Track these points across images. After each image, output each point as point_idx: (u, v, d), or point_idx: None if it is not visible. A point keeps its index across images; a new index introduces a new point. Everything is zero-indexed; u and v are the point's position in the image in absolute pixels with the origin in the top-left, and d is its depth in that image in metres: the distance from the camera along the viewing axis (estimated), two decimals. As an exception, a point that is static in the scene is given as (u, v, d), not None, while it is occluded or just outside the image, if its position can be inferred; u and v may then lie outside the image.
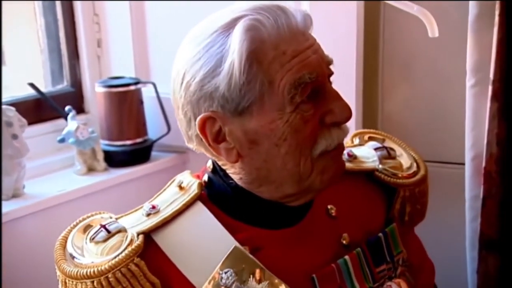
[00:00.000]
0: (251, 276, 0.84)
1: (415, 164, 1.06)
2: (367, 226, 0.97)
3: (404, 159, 1.06)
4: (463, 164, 1.48)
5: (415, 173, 1.04)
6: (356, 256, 0.93)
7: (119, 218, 0.93)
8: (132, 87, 1.80)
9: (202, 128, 0.85)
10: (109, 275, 0.83)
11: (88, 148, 1.73)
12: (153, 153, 1.88)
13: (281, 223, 0.91)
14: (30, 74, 1.80)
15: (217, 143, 0.86)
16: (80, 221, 0.93)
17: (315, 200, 0.94)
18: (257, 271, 0.85)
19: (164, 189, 0.95)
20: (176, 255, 0.87)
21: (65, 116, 1.75)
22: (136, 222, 0.90)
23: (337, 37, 1.52)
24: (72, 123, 1.72)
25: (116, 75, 1.87)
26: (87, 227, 0.92)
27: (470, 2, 1.37)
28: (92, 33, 1.91)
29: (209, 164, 0.94)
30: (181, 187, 0.93)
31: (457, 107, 1.53)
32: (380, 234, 0.97)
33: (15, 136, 1.55)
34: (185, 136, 0.91)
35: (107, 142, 1.81)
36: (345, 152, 1.02)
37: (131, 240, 0.86)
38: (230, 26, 0.83)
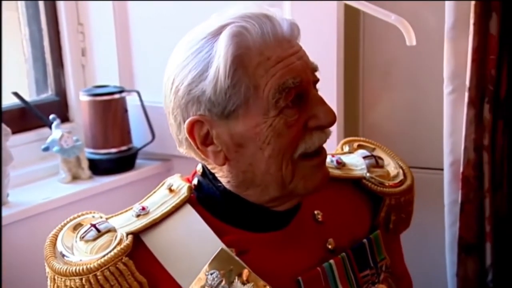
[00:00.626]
0: (237, 277, 0.86)
1: (402, 174, 1.08)
2: (353, 232, 0.99)
3: (392, 169, 1.08)
4: (442, 169, 1.51)
5: (401, 183, 1.06)
6: (341, 260, 0.94)
7: (109, 218, 0.94)
8: (117, 96, 1.82)
9: (190, 131, 0.87)
10: (98, 273, 0.85)
11: (72, 156, 1.74)
12: (138, 161, 1.89)
13: (268, 226, 0.92)
14: (15, 83, 1.80)
15: (205, 146, 0.88)
16: (71, 220, 0.95)
17: (302, 205, 0.96)
18: (243, 273, 0.86)
19: (154, 191, 0.97)
20: (164, 256, 0.88)
21: (49, 125, 1.76)
22: (125, 223, 0.91)
23: (318, 46, 1.54)
24: (56, 131, 1.73)
25: (101, 84, 1.89)
26: (77, 226, 0.93)
27: (446, 11, 1.40)
28: (77, 42, 1.93)
29: (199, 168, 0.95)
30: (171, 190, 0.95)
31: (436, 114, 1.55)
32: (365, 240, 0.98)
33: (-1, 145, 1.55)
34: (176, 140, 0.93)
35: (91, 150, 1.82)
36: (334, 159, 1.05)
37: (120, 240, 0.88)
38: (217, 32, 0.85)
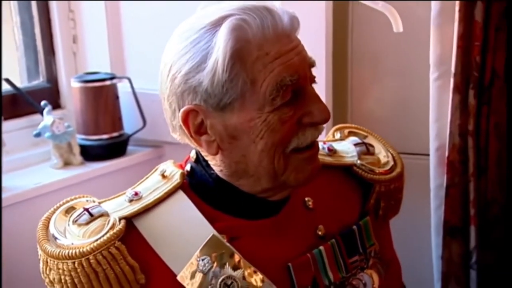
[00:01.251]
0: (228, 263, 0.87)
1: (392, 161, 1.09)
2: (342, 218, 1.00)
3: (382, 156, 1.09)
4: (428, 155, 1.53)
5: (391, 170, 1.07)
6: (331, 247, 0.95)
7: (102, 202, 0.95)
8: (108, 82, 1.83)
9: (185, 119, 0.88)
10: (90, 257, 0.85)
11: (64, 142, 1.75)
12: (129, 147, 1.90)
13: (259, 214, 0.93)
14: (6, 71, 1.81)
15: (199, 135, 0.89)
16: (64, 203, 0.95)
17: (293, 192, 0.97)
18: (234, 259, 0.88)
19: (147, 177, 0.97)
20: (155, 241, 0.89)
21: (41, 111, 1.77)
22: (118, 207, 0.92)
23: (307, 35, 1.53)
24: (48, 117, 1.74)
25: (92, 71, 1.89)
26: (70, 209, 0.94)
27: (432, -1, 1.42)
28: (68, 29, 1.93)
29: (193, 154, 0.96)
30: (163, 176, 0.95)
31: (423, 100, 1.57)
32: (354, 227, 0.99)
33: (-9, 131, 1.56)
34: (169, 126, 0.94)
35: (83, 136, 1.83)
36: (325, 146, 1.06)
37: (113, 224, 0.88)
38: (217, 23, 0.85)
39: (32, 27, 1.90)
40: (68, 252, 0.86)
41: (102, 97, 1.81)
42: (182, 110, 0.87)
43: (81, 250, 0.86)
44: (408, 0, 1.60)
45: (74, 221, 0.90)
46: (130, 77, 1.87)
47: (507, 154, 1.44)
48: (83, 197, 0.97)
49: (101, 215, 0.90)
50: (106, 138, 1.83)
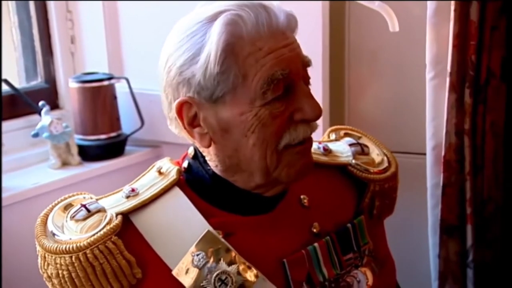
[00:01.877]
0: (222, 259, 0.88)
1: (386, 161, 1.10)
2: (337, 217, 1.01)
3: (376, 156, 1.10)
4: (425, 154, 1.54)
5: (386, 170, 1.08)
6: (325, 244, 0.96)
7: (99, 199, 0.96)
8: (106, 83, 1.83)
9: (179, 111, 0.90)
10: (87, 251, 0.86)
11: (62, 142, 1.76)
12: (127, 147, 1.91)
13: (255, 210, 0.94)
14: (4, 71, 1.81)
15: (192, 127, 0.90)
16: (62, 200, 0.97)
17: (288, 189, 0.98)
18: (228, 254, 0.89)
19: (144, 174, 0.99)
20: (152, 237, 0.90)
21: (39, 112, 1.77)
22: (115, 203, 0.93)
23: (304, 33, 1.54)
24: (46, 118, 1.75)
25: (90, 71, 1.90)
26: (68, 206, 0.95)
27: (428, -2, 1.43)
28: (66, 29, 1.94)
29: (191, 150, 0.97)
30: (160, 173, 0.96)
31: (419, 99, 1.58)
32: (349, 225, 1.00)
33: (-11, 131, 1.56)
34: (167, 117, 0.95)
35: (81, 136, 1.83)
36: (320, 146, 1.07)
37: (110, 220, 0.89)
38: (213, 18, 0.86)
39: (30, 28, 1.91)
40: (66, 247, 0.87)
41: (100, 97, 1.82)
42: (176, 101, 0.89)
43: (78, 244, 0.87)
44: (404, 0, 1.60)
45: (72, 217, 0.92)
46: (128, 77, 1.87)
47: (503, 152, 1.44)
48: (81, 194, 0.98)
49: (98, 211, 0.91)
50: (104, 138, 1.84)
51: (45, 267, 0.90)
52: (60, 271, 0.88)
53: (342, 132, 1.15)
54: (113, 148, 1.86)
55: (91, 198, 0.97)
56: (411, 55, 1.67)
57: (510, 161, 1.45)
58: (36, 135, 1.74)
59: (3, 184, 1.62)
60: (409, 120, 1.72)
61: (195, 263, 0.88)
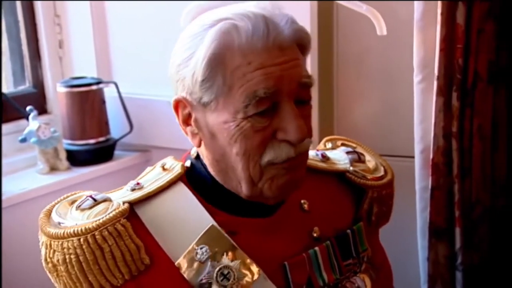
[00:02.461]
0: (225, 253, 0.88)
1: (382, 169, 1.11)
2: (336, 222, 1.01)
3: (373, 164, 1.11)
4: (413, 157, 1.54)
5: (382, 177, 1.09)
6: (326, 248, 0.96)
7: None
8: (94, 87, 1.83)
9: (176, 108, 0.92)
10: (96, 233, 0.85)
11: (50, 147, 1.75)
12: (116, 152, 1.90)
13: (256, 213, 0.94)
14: (-9, 76, 1.81)
15: (185, 125, 0.92)
16: (65, 198, 0.96)
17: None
18: (231, 250, 0.89)
19: (148, 172, 0.99)
20: (155, 229, 0.90)
21: (26, 117, 1.76)
22: (121, 196, 0.93)
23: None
24: (33, 123, 1.74)
25: (78, 76, 1.89)
26: (73, 202, 0.94)
27: (415, 1, 1.43)
28: (54, 34, 1.93)
29: (193, 151, 0.97)
30: (164, 168, 0.97)
31: (407, 102, 1.58)
32: (348, 231, 1.01)
33: (-24, 136, 1.55)
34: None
35: (69, 141, 1.83)
36: (319, 153, 1.08)
37: (118, 206, 0.89)
38: (214, 24, 0.86)
39: (17, 32, 1.90)
40: (73, 230, 0.86)
41: (88, 102, 1.81)
42: (174, 98, 0.91)
43: (86, 226, 0.86)
44: (391, 0, 1.61)
45: (78, 207, 0.91)
46: (116, 82, 1.87)
47: (491, 155, 1.45)
48: (84, 192, 0.98)
49: (105, 200, 0.91)
50: (92, 143, 1.83)
51: (51, 256, 0.88)
52: (67, 256, 0.86)
53: (339, 142, 1.16)
54: (102, 153, 1.85)
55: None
56: (399, 59, 1.68)
57: (497, 163, 1.46)
58: (23, 140, 1.73)
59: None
60: (397, 123, 1.73)
61: (198, 256, 0.88)
